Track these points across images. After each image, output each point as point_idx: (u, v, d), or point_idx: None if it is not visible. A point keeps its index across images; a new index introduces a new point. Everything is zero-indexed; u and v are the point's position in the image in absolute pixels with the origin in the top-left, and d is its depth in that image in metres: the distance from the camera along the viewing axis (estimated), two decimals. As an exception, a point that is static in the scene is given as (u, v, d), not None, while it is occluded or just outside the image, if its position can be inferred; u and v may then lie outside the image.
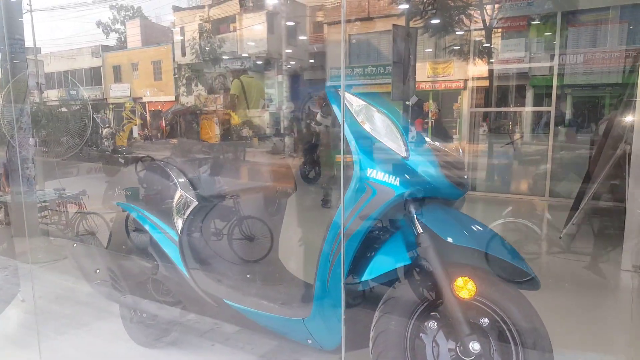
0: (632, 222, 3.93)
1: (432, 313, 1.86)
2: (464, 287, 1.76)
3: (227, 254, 2.41)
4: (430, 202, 1.89)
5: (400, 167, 1.80)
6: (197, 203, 2.38)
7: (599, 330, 2.73)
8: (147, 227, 2.45)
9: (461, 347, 1.77)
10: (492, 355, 1.75)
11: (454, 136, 13.27)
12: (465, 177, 1.92)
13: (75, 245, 2.74)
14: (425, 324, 1.84)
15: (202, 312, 2.36)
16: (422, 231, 1.81)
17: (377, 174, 1.79)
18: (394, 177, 1.78)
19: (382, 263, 1.87)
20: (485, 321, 1.80)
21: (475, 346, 1.69)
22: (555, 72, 7.40)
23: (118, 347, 2.68)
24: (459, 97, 12.52)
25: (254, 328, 2.16)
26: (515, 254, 1.83)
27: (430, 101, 12.33)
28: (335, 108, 1.95)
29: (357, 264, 1.90)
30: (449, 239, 1.78)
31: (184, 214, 2.39)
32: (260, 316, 2.06)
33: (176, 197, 2.43)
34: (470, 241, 1.80)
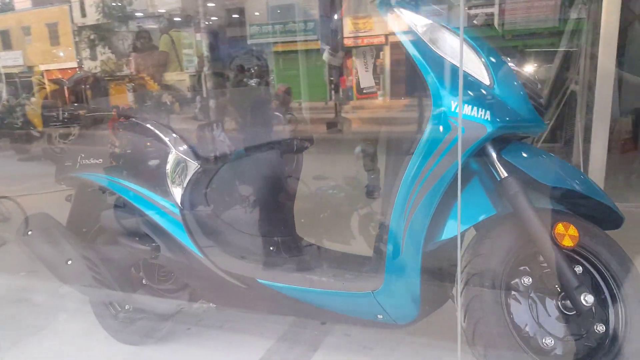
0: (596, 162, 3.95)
1: (520, 268, 1.61)
2: (566, 234, 1.51)
3: (245, 225, 1.99)
4: (508, 141, 1.60)
5: (487, 98, 1.49)
6: (198, 166, 1.92)
7: None
8: (132, 202, 1.95)
9: (563, 303, 1.55)
10: (595, 310, 1.53)
11: (378, 92, 13.25)
12: (544, 109, 1.65)
13: (30, 232, 2.16)
14: (517, 280, 1.59)
15: (223, 297, 1.94)
16: (506, 175, 1.52)
17: (464, 108, 1.47)
18: (483, 110, 1.47)
19: (464, 217, 1.57)
20: (580, 270, 1.58)
21: (588, 299, 1.46)
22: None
23: (96, 348, 2.20)
24: (381, 52, 12.41)
25: (297, 310, 1.80)
26: (606, 195, 1.61)
27: (353, 58, 12.08)
28: (403, 30, 1.56)
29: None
30: (544, 181, 1.52)
31: (182, 182, 1.93)
32: (313, 294, 1.69)
33: (171, 161, 1.95)
34: (566, 182, 1.54)
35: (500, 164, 1.54)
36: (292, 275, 1.76)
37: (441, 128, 1.48)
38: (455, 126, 1.46)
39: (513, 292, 1.57)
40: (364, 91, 2.39)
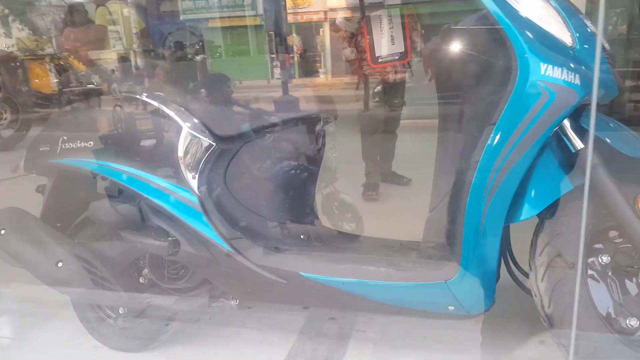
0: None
1: (596, 245, 1.50)
2: (652, 207, 1.41)
3: (272, 212, 1.74)
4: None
5: (574, 61, 1.34)
6: (214, 145, 1.65)
7: None
8: (140, 191, 1.65)
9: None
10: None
11: (320, 70, 13.00)
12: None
13: (2, 232, 1.78)
14: (594, 259, 1.48)
15: (255, 294, 1.69)
16: (582, 146, 1.39)
17: (554, 72, 1.31)
18: (572, 74, 1.32)
19: (542, 195, 1.43)
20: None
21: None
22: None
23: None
24: (321, 29, 12.19)
25: (346, 305, 1.60)
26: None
27: (294, 34, 11.77)
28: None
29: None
30: (625, 152, 1.40)
31: (197, 165, 1.64)
32: (374, 287, 1.49)
33: (182, 141, 1.65)
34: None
35: (575, 134, 1.40)
36: (346, 268, 1.55)
37: (530, 94, 1.31)
38: (546, 91, 1.30)
39: (591, 272, 1.46)
40: (379, 60, 2.20)
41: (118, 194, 1.76)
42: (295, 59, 11.71)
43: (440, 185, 1.63)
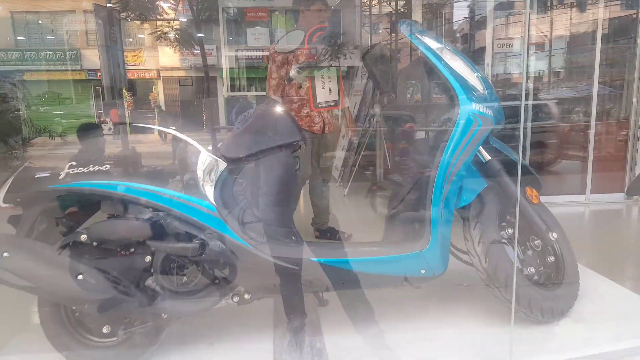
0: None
1: (502, 223, 2.25)
2: (532, 194, 2.23)
3: (273, 216, 2.11)
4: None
5: (486, 101, 2.11)
6: (226, 165, 2.03)
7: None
8: (165, 205, 1.92)
9: (534, 243, 2.24)
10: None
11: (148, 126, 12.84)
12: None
13: (5, 254, 1.81)
14: (502, 232, 2.22)
15: (267, 284, 2.02)
16: (489, 158, 2.17)
17: (478, 107, 2.05)
18: (488, 109, 2.08)
19: (470, 190, 2.14)
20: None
21: (553, 235, 2.19)
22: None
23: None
24: (154, 86, 12.26)
25: (348, 281, 2.04)
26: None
27: (124, 90, 11.55)
28: (423, 47, 2.06)
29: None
30: (514, 158, 2.21)
31: (213, 180, 2.00)
32: (367, 263, 2.00)
33: (201, 162, 2.00)
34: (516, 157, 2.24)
35: (484, 150, 2.16)
36: (346, 250, 2.03)
37: (467, 121, 2.02)
38: (476, 120, 2.03)
39: (503, 240, 2.19)
40: (320, 105, 2.78)
41: (132, 211, 1.98)
42: (127, 113, 11.54)
43: (397, 191, 2.24)
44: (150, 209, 1.95)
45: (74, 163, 1.97)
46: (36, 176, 1.99)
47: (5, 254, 1.85)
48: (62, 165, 2.00)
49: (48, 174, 1.97)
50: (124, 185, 1.92)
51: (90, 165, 1.96)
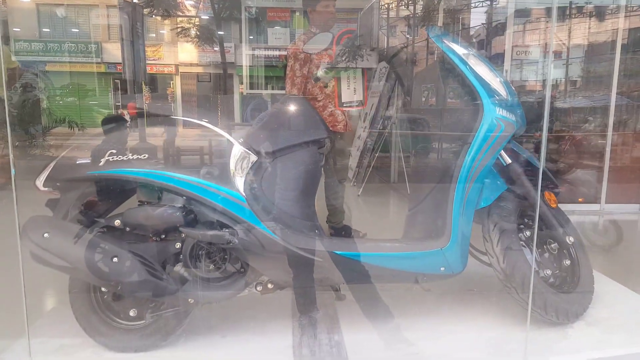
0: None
1: (520, 226, 2.30)
2: (551, 199, 2.28)
3: (298, 209, 2.18)
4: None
5: (509, 106, 2.16)
6: (256, 158, 2.11)
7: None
8: (198, 194, 2.01)
9: (550, 246, 2.29)
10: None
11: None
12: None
13: (46, 235, 1.91)
14: (520, 234, 2.27)
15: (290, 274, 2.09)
16: (510, 162, 2.22)
17: (501, 112, 2.11)
18: (511, 114, 2.14)
19: (491, 192, 2.19)
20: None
21: (570, 239, 2.25)
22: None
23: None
24: (172, 82, 12.41)
25: (366, 276, 2.11)
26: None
27: (143, 84, 11.71)
28: (450, 53, 2.12)
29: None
30: (535, 164, 2.26)
31: (244, 172, 2.08)
32: (389, 258, 2.07)
33: (234, 154, 2.08)
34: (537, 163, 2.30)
35: (505, 153, 2.22)
36: (369, 245, 2.10)
37: (491, 125, 2.08)
38: (499, 124, 2.09)
39: (521, 242, 2.25)
40: (344, 105, 2.85)
41: (164, 199, 2.07)
42: (145, 108, 11.67)
43: (418, 191, 2.30)
44: (184, 198, 2.03)
45: (114, 151, 2.05)
46: (77, 162, 2.08)
47: (46, 235, 1.95)
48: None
49: (89, 161, 2.06)
50: (161, 174, 2.00)
51: (130, 154, 2.05)
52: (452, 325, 2.29)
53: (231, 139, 2.08)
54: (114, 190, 2.12)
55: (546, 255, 2.30)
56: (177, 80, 12.22)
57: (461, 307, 2.44)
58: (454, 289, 2.48)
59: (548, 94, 2.45)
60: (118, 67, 11.13)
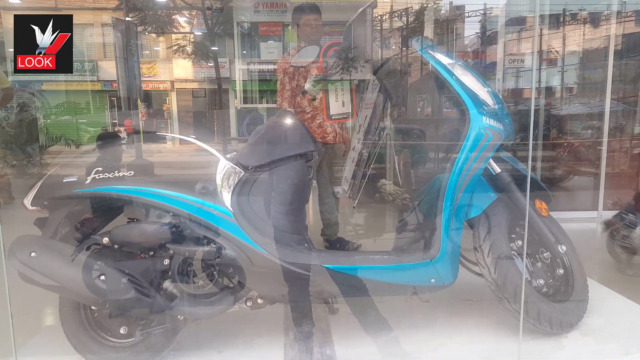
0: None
1: (512, 235, 2.28)
2: (542, 207, 2.27)
3: (285, 222, 2.17)
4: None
5: (497, 115, 2.15)
6: (242, 173, 2.09)
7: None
8: (184, 210, 1.99)
9: (543, 255, 2.27)
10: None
11: (167, 134, 13.04)
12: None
13: (33, 254, 1.89)
14: (512, 244, 2.25)
15: (280, 289, 2.07)
16: (499, 171, 2.21)
17: (489, 121, 2.10)
18: (499, 123, 2.12)
19: (481, 202, 2.18)
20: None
21: (562, 248, 2.22)
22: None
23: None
24: (167, 98, 12.44)
25: (358, 289, 2.08)
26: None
27: (139, 101, 11.75)
28: (435, 63, 2.12)
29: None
30: (524, 172, 2.24)
31: (231, 187, 2.06)
32: (377, 270, 2.04)
33: (220, 170, 2.07)
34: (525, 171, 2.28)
35: (494, 162, 2.20)
36: (359, 258, 2.08)
37: (478, 135, 2.07)
38: (487, 133, 2.08)
39: (513, 252, 2.22)
40: (333, 117, 2.85)
41: (151, 215, 2.05)
42: (141, 124, 11.71)
43: (407, 201, 2.29)
44: (170, 214, 2.01)
45: (100, 169, 2.04)
46: (64, 180, 2.07)
47: (33, 254, 1.93)
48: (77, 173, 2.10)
49: (75, 179, 2.05)
50: (147, 191, 1.99)
51: (116, 172, 2.04)
52: (445, 337, 2.26)
53: (217, 154, 2.07)
54: (101, 208, 2.10)
55: (538, 264, 2.28)
56: (173, 97, 12.26)
57: (455, 318, 2.41)
58: (452, 299, 2.45)
59: (534, 101, 2.43)
60: (114, 85, 11.21)
